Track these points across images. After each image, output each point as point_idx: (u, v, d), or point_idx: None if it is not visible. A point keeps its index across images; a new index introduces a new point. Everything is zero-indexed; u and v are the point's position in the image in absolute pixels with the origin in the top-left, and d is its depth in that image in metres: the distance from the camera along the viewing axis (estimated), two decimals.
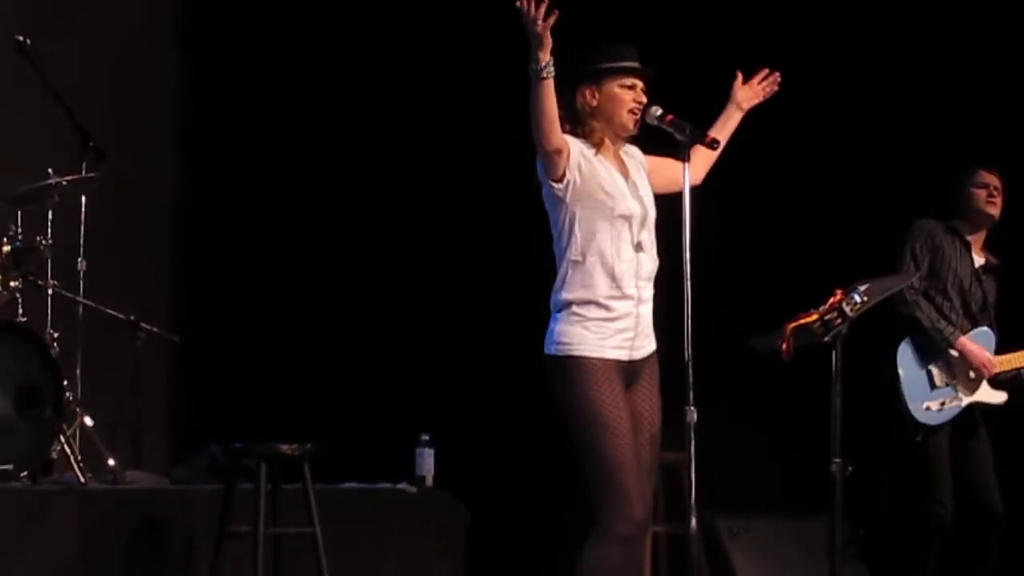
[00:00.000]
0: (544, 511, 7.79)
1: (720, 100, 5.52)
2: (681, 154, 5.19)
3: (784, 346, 5.67)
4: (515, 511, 7.94)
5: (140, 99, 8.86)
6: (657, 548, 6.97)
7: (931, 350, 6.82)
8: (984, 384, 6.86)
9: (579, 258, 5.10)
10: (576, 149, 5.10)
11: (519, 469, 7.96)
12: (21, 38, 7.27)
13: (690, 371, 5.07)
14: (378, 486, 7.23)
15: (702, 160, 5.41)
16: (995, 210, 6.96)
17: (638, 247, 5.14)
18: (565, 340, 5.08)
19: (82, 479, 6.63)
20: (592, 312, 5.07)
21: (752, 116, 5.55)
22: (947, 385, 6.82)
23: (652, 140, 5.30)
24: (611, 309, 5.08)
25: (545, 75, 4.88)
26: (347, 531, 6.70)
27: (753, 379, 7.01)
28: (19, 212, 6.98)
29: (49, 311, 7.11)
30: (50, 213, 7.09)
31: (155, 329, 7.73)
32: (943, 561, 6.83)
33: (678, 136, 5.19)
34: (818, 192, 7.89)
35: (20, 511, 6.01)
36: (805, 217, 7.88)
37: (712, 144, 5.27)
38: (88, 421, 7.05)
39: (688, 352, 5.08)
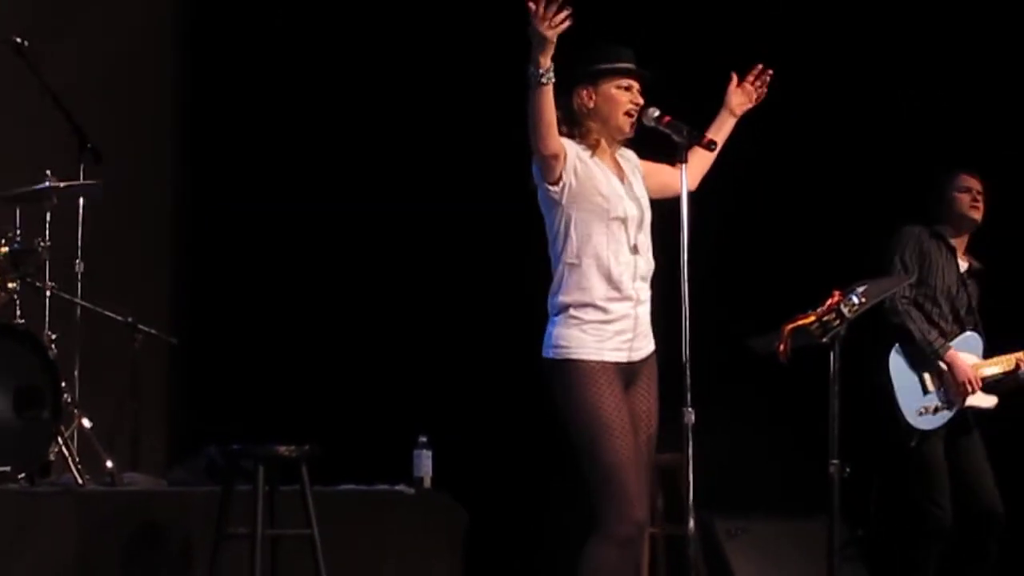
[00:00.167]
0: (543, 512, 7.78)
1: (716, 102, 5.51)
2: (678, 156, 5.18)
3: (781, 347, 5.67)
4: (513, 512, 7.93)
5: (140, 99, 8.86)
6: (655, 549, 6.95)
7: (922, 356, 6.82)
8: None
9: (575, 261, 5.07)
10: (572, 152, 5.08)
11: (517, 470, 7.95)
12: (19, 39, 7.27)
13: (688, 372, 5.06)
14: (376, 488, 7.22)
15: (699, 163, 5.38)
16: (978, 214, 6.95)
17: (634, 249, 5.11)
18: (563, 343, 5.06)
19: (80, 481, 6.63)
20: (589, 315, 5.05)
21: (750, 118, 5.54)
22: (939, 390, 6.82)
23: (649, 142, 5.28)
24: (608, 311, 5.06)
25: (545, 81, 4.83)
26: (345, 533, 6.70)
27: (751, 380, 7.00)
28: (17, 214, 6.97)
29: (47, 313, 7.10)
30: (48, 215, 7.08)
31: (153, 331, 7.74)
32: (943, 561, 6.83)
33: (675, 137, 5.17)
34: (816, 193, 7.88)
35: (18, 513, 6.00)
36: (803, 218, 7.87)
37: (710, 145, 5.24)
38: (86, 423, 7.04)
39: (686, 353, 5.07)
